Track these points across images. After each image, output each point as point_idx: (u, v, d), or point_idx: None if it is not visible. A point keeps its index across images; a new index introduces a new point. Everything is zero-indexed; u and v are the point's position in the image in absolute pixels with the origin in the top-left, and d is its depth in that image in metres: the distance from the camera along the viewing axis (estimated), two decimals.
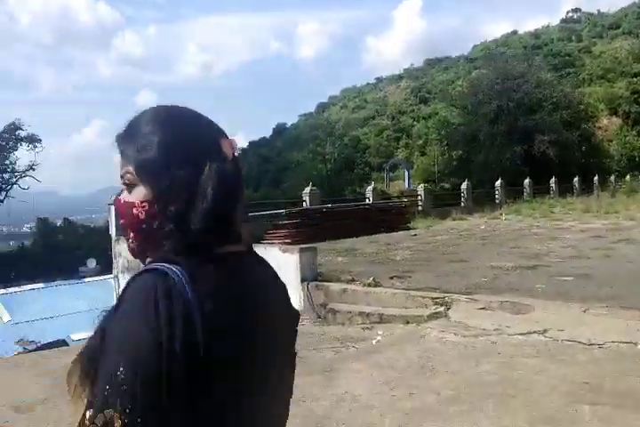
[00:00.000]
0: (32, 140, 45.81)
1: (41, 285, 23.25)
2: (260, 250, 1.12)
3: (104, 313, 0.91)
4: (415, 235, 16.42)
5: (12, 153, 45.99)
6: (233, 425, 0.92)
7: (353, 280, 8.32)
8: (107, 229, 15.03)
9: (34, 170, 46.01)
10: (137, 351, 0.82)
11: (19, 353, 14.54)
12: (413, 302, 7.23)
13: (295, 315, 1.11)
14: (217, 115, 1.19)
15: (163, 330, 0.83)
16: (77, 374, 0.89)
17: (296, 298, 7.65)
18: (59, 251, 44.85)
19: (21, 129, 45.30)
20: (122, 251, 13.00)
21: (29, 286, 22.34)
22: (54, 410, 4.33)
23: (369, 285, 7.95)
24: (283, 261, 7.77)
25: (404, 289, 7.79)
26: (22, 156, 63.52)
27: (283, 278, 1.12)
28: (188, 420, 0.85)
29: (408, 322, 6.68)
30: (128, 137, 0.99)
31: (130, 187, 0.97)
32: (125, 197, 0.97)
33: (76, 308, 17.60)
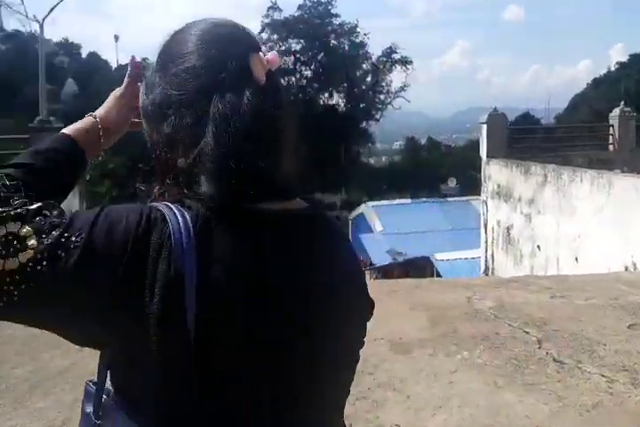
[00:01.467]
0: (405, 62, 48.25)
1: (408, 200, 24.50)
2: None
3: None
4: None
5: (388, 75, 49.35)
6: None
7: None
8: (466, 149, 14.32)
9: (405, 91, 48.77)
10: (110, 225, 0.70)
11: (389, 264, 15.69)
12: None
13: (364, 308, 0.87)
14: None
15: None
16: None
17: None
18: (423, 168, 47.21)
19: (396, 52, 48.10)
20: (492, 173, 12.17)
21: (398, 201, 23.77)
22: None
23: None
24: None
25: None
26: (395, 78, 67.71)
27: None
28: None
29: None
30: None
31: None
32: None
33: (438, 226, 17.93)
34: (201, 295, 0.69)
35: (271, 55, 0.79)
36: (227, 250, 0.73)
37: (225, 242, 0.73)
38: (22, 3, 24.26)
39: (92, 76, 74.36)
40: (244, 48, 0.78)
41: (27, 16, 25.99)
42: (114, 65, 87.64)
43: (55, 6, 20.34)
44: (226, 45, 0.78)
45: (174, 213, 0.72)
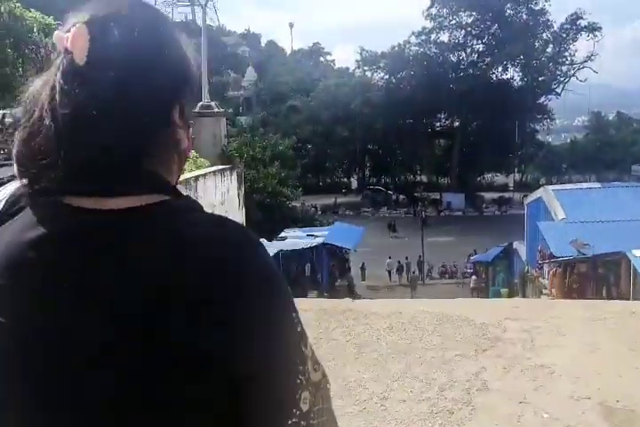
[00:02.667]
0: (592, 29, 42.97)
1: (597, 184, 21.56)
2: None
3: None
4: None
5: (572, 44, 44.34)
6: None
7: None
8: None
9: (591, 61, 43.50)
10: None
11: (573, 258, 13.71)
12: None
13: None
14: None
15: None
16: None
17: None
18: (610, 146, 42.00)
19: (582, 18, 42.90)
20: None
21: (585, 184, 21.03)
22: None
23: None
24: None
25: None
26: (580, 47, 60.85)
27: None
28: None
29: None
30: None
31: None
32: None
33: (635, 215, 15.30)
34: None
35: (72, 33, 0.67)
36: (16, 239, 0.69)
37: (14, 232, 0.70)
38: None
39: (270, 63, 77.96)
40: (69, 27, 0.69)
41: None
42: (288, 51, 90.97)
43: None
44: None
45: None
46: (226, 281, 0.65)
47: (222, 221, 0.72)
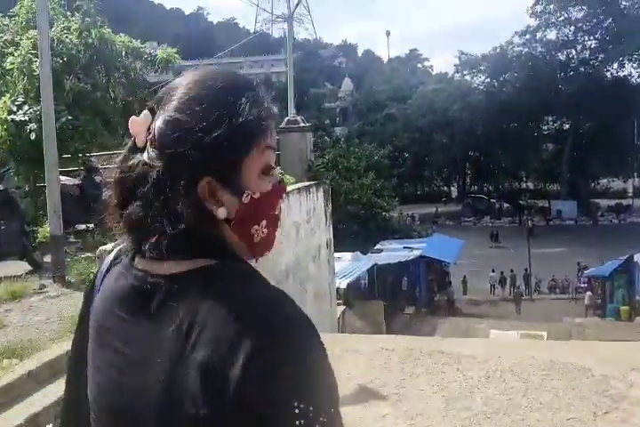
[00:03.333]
0: None
1: None
2: None
3: None
4: None
5: None
6: None
7: None
8: None
9: None
10: None
11: None
12: None
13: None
14: None
15: None
16: None
17: None
18: None
19: None
20: None
21: None
22: None
23: None
24: None
25: None
26: None
27: None
28: None
29: None
30: None
31: None
32: None
33: None
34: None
35: (134, 120, 0.80)
36: (103, 294, 0.84)
37: (104, 287, 0.85)
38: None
39: (366, 72, 77.97)
40: None
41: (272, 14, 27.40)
42: (385, 60, 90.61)
43: (297, 4, 20.66)
44: None
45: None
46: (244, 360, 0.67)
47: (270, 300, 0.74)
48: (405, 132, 48.43)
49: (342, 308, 9.68)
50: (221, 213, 0.77)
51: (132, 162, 0.77)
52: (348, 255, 18.07)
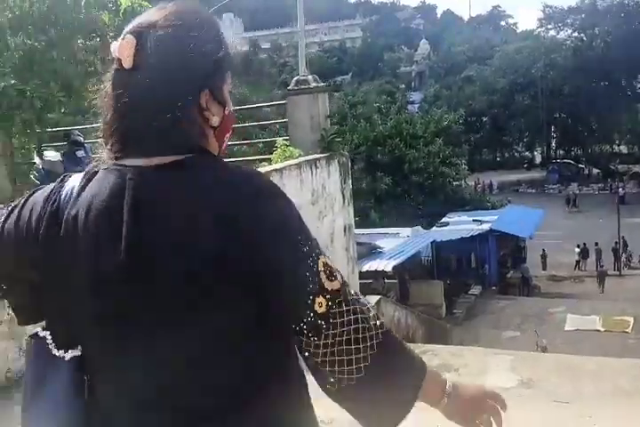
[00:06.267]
0: None
1: None
2: None
3: None
4: None
5: None
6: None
7: None
8: None
9: None
10: None
11: None
12: None
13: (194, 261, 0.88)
14: None
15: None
16: None
17: None
18: None
19: None
20: None
21: None
22: None
23: None
24: None
25: None
26: None
27: None
28: None
29: None
30: None
31: None
32: None
33: None
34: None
35: (120, 43, 0.93)
36: (92, 192, 0.92)
37: (91, 188, 0.93)
38: None
39: (445, 33, 73.21)
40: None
41: None
42: (466, 19, 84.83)
43: None
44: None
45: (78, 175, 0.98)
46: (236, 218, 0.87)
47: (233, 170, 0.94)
48: (483, 94, 44.71)
49: (375, 298, 8.13)
50: (215, 120, 0.97)
51: (124, 80, 0.92)
52: (407, 231, 16.32)
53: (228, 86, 0.98)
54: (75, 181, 0.96)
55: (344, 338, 0.88)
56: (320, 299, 0.87)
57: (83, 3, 5.84)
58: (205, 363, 0.89)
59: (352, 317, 0.89)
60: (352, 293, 0.92)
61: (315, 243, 0.91)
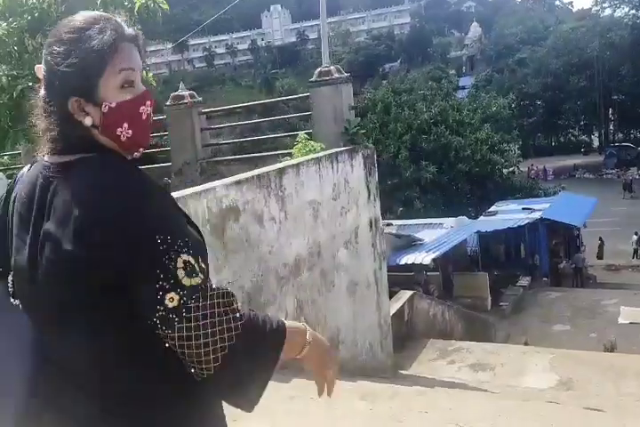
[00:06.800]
0: None
1: None
2: None
3: None
4: None
5: None
6: None
7: None
8: None
9: None
10: None
11: None
12: None
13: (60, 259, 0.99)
14: None
15: None
16: None
17: None
18: None
19: None
20: None
21: None
22: None
23: None
24: None
25: None
26: None
27: None
28: None
29: None
30: None
31: None
32: None
33: None
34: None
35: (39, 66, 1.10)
36: (24, 181, 1.09)
37: (27, 176, 1.09)
38: None
39: (498, 15, 70.59)
40: None
41: None
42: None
43: None
44: None
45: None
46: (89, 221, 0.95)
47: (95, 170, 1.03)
48: (537, 77, 42.89)
49: (409, 293, 7.86)
50: (88, 120, 1.04)
51: (39, 95, 1.07)
52: (450, 221, 15.81)
53: (118, 78, 1.03)
54: (26, 168, 1.12)
55: (201, 331, 0.93)
56: (172, 294, 0.92)
57: (99, 1, 5.79)
58: (81, 362, 0.98)
59: (209, 311, 0.94)
60: (214, 287, 0.97)
61: (177, 241, 0.95)
